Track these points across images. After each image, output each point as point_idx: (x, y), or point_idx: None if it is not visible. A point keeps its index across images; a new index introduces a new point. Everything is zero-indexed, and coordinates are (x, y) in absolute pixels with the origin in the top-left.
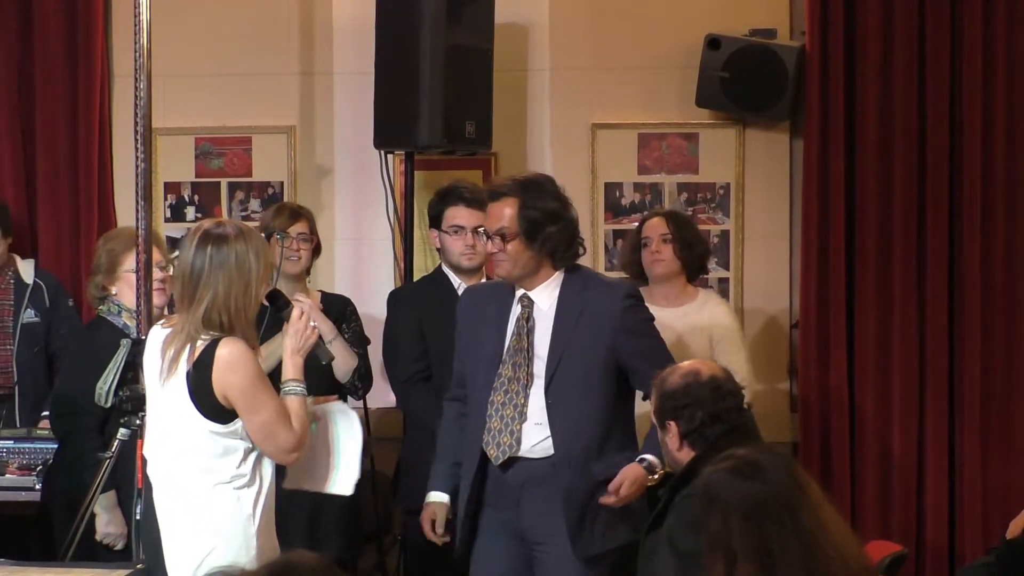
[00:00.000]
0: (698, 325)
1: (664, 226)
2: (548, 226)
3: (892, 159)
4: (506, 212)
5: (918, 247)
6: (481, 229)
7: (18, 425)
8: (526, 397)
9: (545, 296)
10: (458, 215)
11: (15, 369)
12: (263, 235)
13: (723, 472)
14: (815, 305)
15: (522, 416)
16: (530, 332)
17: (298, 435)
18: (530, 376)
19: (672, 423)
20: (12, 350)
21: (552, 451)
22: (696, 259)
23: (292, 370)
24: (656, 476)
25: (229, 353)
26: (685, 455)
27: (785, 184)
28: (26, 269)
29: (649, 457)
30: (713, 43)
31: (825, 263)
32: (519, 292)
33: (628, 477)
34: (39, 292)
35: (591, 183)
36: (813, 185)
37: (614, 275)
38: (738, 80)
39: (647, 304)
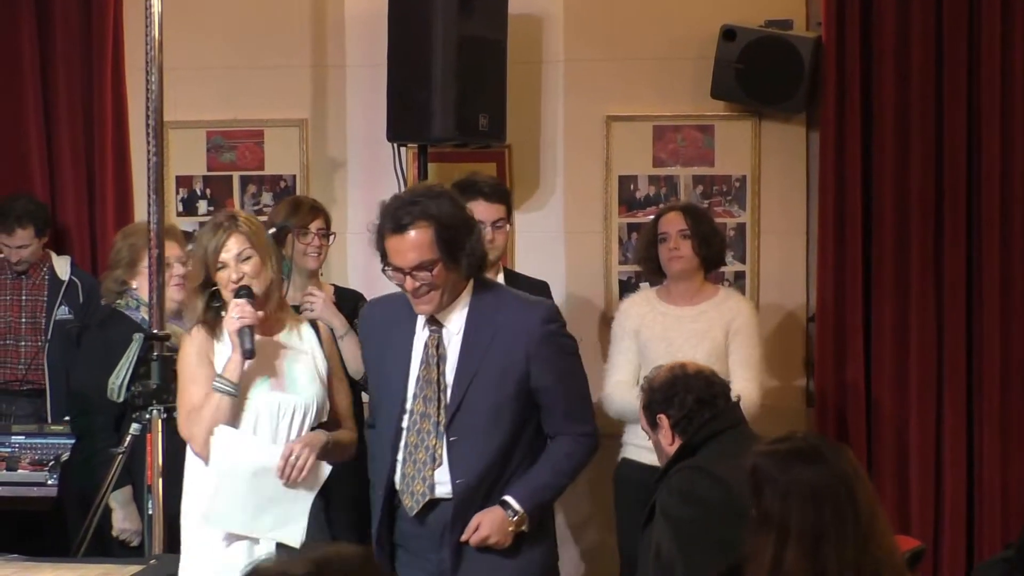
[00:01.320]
0: (715, 321)
1: (682, 221)
2: (465, 240)
3: (909, 150)
4: (422, 241)
5: (935, 239)
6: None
7: (49, 422)
8: (439, 437)
9: (455, 317)
10: (477, 210)
11: (47, 366)
12: (274, 230)
13: (782, 454)
14: (832, 298)
15: (435, 461)
16: (440, 361)
17: (190, 431)
18: (444, 412)
19: (662, 416)
20: (44, 347)
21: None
22: (714, 254)
23: (228, 367)
24: (515, 520)
25: (184, 341)
26: (675, 449)
27: (801, 176)
28: (61, 266)
29: (510, 499)
30: (728, 34)
31: (842, 256)
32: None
33: (484, 523)
34: (74, 289)
35: (605, 176)
36: (830, 177)
37: (629, 270)
38: (754, 71)
39: (663, 301)
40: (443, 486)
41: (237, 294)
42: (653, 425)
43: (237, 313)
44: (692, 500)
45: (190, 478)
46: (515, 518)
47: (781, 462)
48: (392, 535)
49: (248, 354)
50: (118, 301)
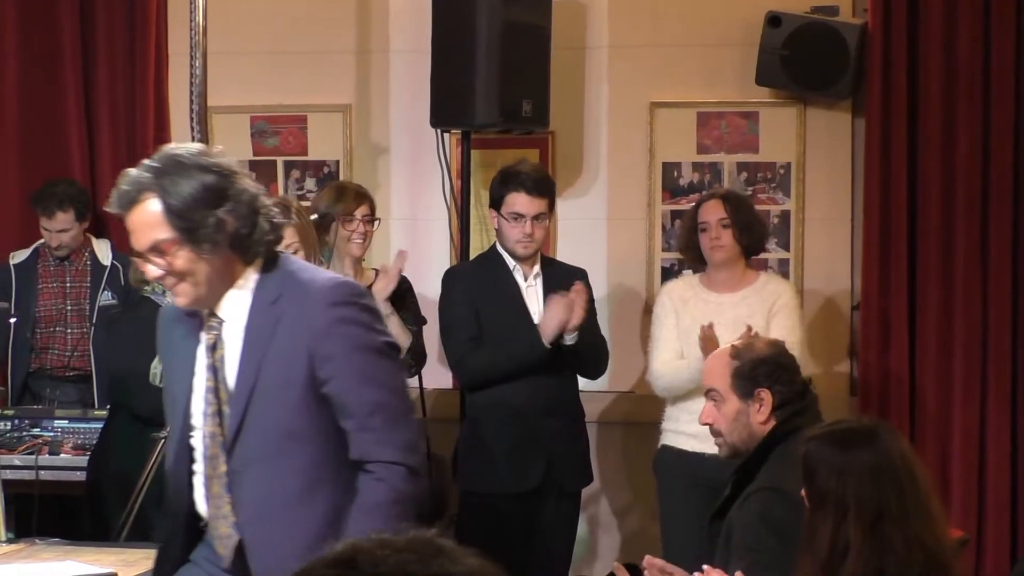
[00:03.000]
0: (757, 306)
1: (722, 210)
2: (210, 212)
3: (955, 138)
4: (148, 218)
5: (981, 228)
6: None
7: (96, 407)
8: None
9: (236, 309)
10: (518, 202)
11: (92, 352)
12: (317, 216)
13: (836, 435)
14: (876, 286)
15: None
16: (220, 365)
17: None
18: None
19: (765, 391)
20: (89, 332)
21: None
22: (755, 242)
23: None
24: None
25: None
26: (767, 429)
27: (846, 163)
28: (103, 250)
29: None
30: (774, 20)
31: (887, 244)
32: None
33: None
34: (116, 273)
35: (649, 162)
36: (875, 165)
37: (672, 257)
38: (799, 58)
39: (705, 288)
40: None
41: None
42: (747, 395)
43: None
44: (770, 523)
45: None
46: None
47: (835, 444)
48: (187, 551)
49: None
50: (145, 287)
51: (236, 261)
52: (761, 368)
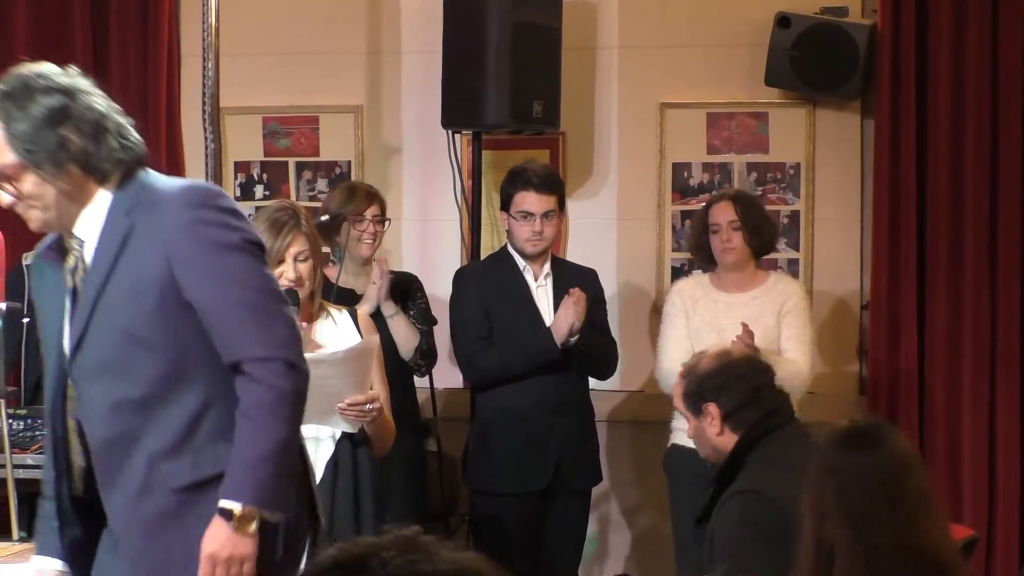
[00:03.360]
0: (767, 306)
1: (732, 212)
2: (52, 132)
3: (964, 138)
4: None
5: (990, 227)
6: (549, 213)
7: None
8: None
9: (92, 227)
10: (526, 201)
11: None
12: (328, 217)
13: (838, 438)
14: (885, 286)
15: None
16: (81, 287)
17: None
18: None
19: (711, 405)
20: None
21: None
22: (766, 243)
23: None
24: (240, 523)
25: None
26: (727, 440)
27: (856, 164)
28: None
29: (223, 503)
30: (783, 21)
31: (896, 244)
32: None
33: (206, 556)
34: None
35: (659, 163)
36: (884, 165)
37: (682, 257)
38: (808, 58)
39: (715, 288)
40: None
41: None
42: (697, 412)
43: None
44: (749, 525)
45: None
46: (239, 522)
47: (835, 446)
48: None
49: None
50: None
51: (88, 180)
52: (706, 383)
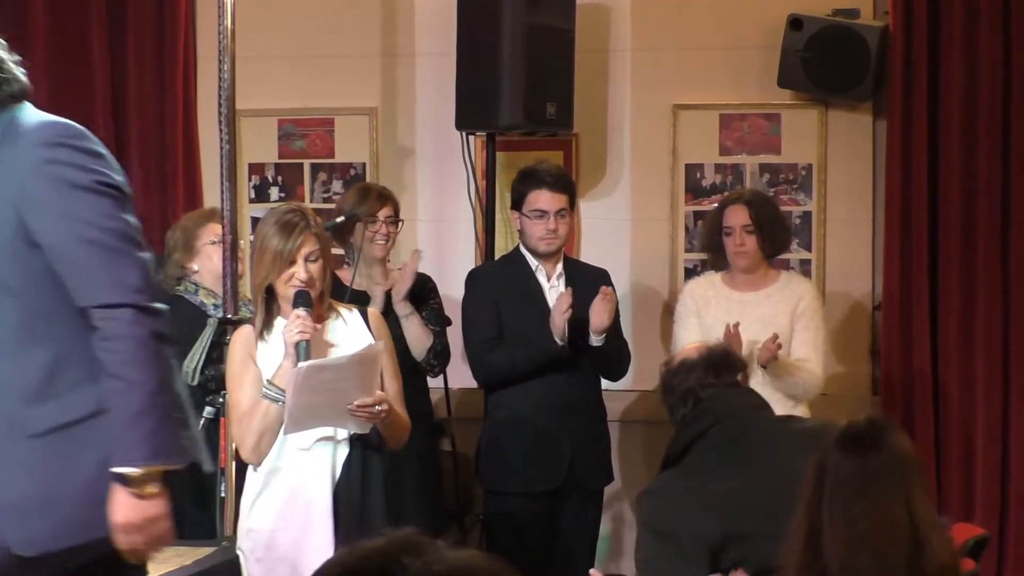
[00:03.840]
0: (780, 305)
1: (746, 216)
2: None
3: (976, 138)
4: None
5: (1002, 228)
6: (562, 212)
7: None
8: None
9: None
10: (540, 199)
11: None
12: (342, 219)
13: (845, 436)
14: (898, 286)
15: None
16: None
17: (240, 438)
18: None
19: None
20: None
21: None
22: (779, 246)
23: (278, 374)
24: (139, 486)
25: (231, 341)
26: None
27: (868, 165)
28: None
29: (116, 470)
30: (795, 23)
31: (908, 244)
32: None
33: (118, 525)
34: None
35: (672, 164)
36: (896, 166)
37: (695, 258)
38: (820, 60)
39: (727, 287)
40: None
41: (297, 302)
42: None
43: (297, 327)
44: (651, 530)
45: (248, 485)
46: (137, 485)
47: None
48: None
49: None
50: (177, 288)
51: None
52: (665, 397)
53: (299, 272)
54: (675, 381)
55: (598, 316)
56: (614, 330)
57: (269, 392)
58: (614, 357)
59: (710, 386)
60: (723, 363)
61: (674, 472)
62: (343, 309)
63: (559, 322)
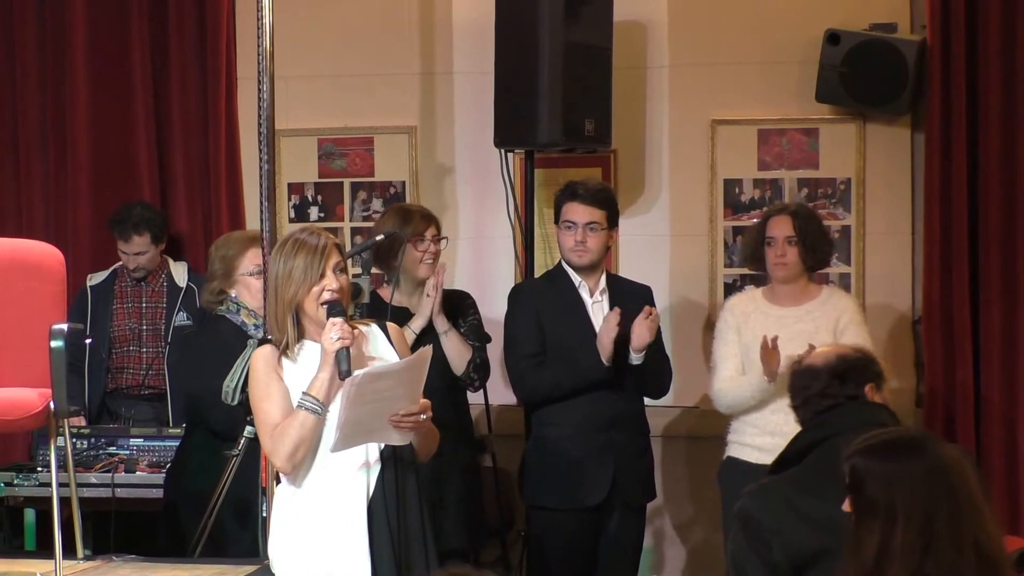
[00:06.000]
0: (821, 321)
1: (790, 227)
2: None
3: (1015, 151)
4: None
5: None
6: (593, 225)
7: (172, 425)
8: None
9: None
10: (571, 211)
11: (167, 371)
12: (382, 237)
13: (879, 447)
14: (938, 300)
15: None
16: None
17: (274, 447)
18: None
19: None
20: (163, 352)
21: None
22: (820, 261)
23: (315, 385)
24: None
25: (252, 358)
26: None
27: (906, 179)
28: (179, 273)
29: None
30: (832, 38)
31: (948, 257)
32: None
33: None
34: (191, 295)
35: (710, 179)
36: (935, 179)
37: (734, 273)
38: (858, 74)
39: (767, 302)
40: None
41: (331, 312)
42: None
43: (336, 333)
44: (747, 536)
45: (279, 503)
46: None
47: (881, 453)
48: None
49: (345, 375)
50: (219, 308)
51: None
52: (792, 396)
53: (330, 283)
54: (800, 383)
55: (639, 335)
56: (656, 348)
57: (305, 403)
58: (655, 375)
59: (830, 396)
60: (849, 372)
61: (781, 479)
62: (361, 325)
63: (607, 343)
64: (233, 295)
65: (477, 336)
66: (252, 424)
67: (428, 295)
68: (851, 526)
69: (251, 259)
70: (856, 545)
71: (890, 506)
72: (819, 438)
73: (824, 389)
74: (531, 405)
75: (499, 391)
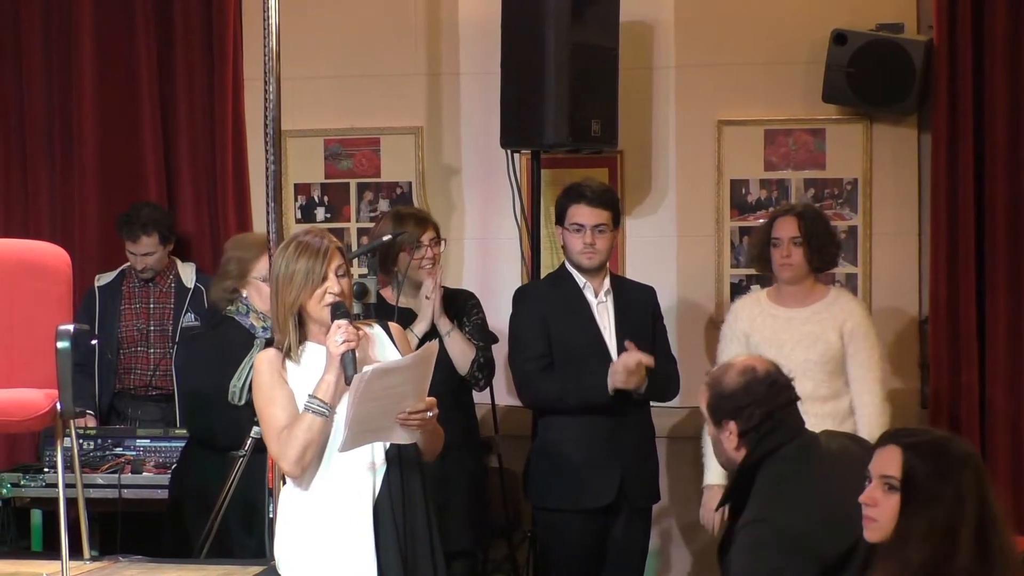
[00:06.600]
0: (828, 322)
1: (796, 228)
2: None
3: (1022, 152)
4: None
5: None
6: (601, 227)
7: (178, 426)
8: None
9: None
10: (579, 213)
11: (174, 372)
12: (389, 237)
13: (933, 444)
14: (945, 301)
15: None
16: None
17: (282, 451)
18: None
19: (732, 422)
20: (171, 353)
21: None
22: (826, 261)
23: (321, 387)
24: None
25: (256, 362)
26: (740, 455)
27: (913, 179)
28: (187, 273)
29: None
30: (839, 38)
31: (955, 258)
32: None
33: None
34: (199, 296)
35: (717, 180)
36: (942, 179)
37: (741, 273)
38: (864, 75)
39: (773, 303)
40: None
41: (335, 314)
42: (717, 424)
43: (341, 336)
44: (762, 560)
45: (284, 504)
46: None
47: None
48: None
49: (350, 380)
50: (228, 308)
51: None
52: (726, 403)
53: (332, 286)
54: (758, 396)
55: (615, 375)
56: (663, 354)
57: (312, 405)
58: (661, 384)
59: (783, 407)
60: (779, 379)
61: (762, 525)
62: (364, 326)
63: (619, 381)
64: (244, 295)
65: (481, 335)
66: (259, 424)
67: (427, 298)
68: (899, 522)
69: (265, 264)
70: (904, 541)
71: (953, 505)
72: (775, 446)
73: (783, 401)
74: (534, 409)
75: (506, 391)
